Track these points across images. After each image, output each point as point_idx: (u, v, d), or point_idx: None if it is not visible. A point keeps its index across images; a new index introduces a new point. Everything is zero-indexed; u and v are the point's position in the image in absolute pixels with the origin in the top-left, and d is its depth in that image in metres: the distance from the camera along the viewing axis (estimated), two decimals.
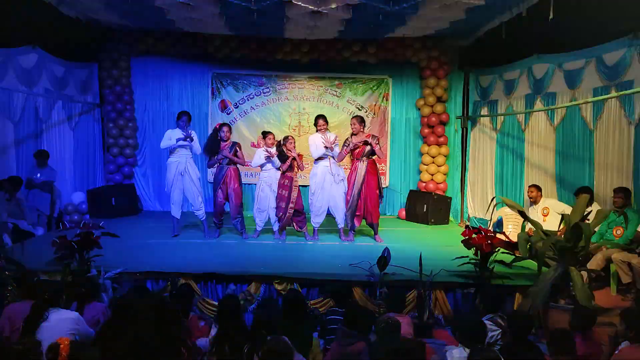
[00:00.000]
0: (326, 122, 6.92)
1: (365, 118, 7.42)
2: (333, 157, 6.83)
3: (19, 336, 3.45)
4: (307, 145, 7.02)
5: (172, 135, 6.90)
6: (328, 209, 6.98)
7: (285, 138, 6.86)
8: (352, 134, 6.85)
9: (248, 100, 9.34)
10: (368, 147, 6.74)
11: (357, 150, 6.79)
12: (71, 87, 8.44)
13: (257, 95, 9.36)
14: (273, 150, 6.84)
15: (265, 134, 7.08)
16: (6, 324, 3.70)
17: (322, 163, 6.85)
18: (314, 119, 7.08)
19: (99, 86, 9.05)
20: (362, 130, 6.84)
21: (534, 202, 6.90)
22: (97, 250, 5.09)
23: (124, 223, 7.76)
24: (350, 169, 6.96)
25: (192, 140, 6.89)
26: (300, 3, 6.30)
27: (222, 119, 9.11)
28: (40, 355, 3.06)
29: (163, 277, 5.27)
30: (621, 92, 5.44)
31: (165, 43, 8.87)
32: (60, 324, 3.49)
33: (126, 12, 7.32)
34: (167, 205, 9.24)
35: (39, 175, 7.48)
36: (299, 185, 6.98)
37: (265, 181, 6.93)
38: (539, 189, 6.93)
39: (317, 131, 6.91)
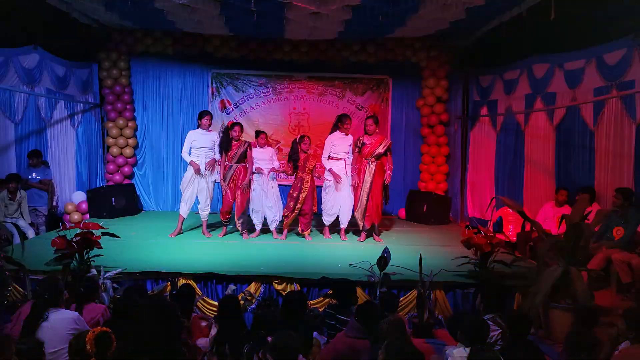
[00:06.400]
0: (350, 124, 6.91)
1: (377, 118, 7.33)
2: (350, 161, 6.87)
3: (19, 336, 3.45)
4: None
5: (192, 138, 6.89)
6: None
7: (301, 137, 6.87)
8: (366, 134, 6.83)
9: (248, 100, 9.33)
10: (377, 150, 6.71)
11: (366, 150, 6.78)
12: (72, 86, 8.41)
13: (257, 95, 9.35)
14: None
15: (258, 134, 7.07)
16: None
17: (337, 163, 6.86)
18: (338, 117, 7.04)
19: (99, 86, 9.03)
20: (376, 130, 6.85)
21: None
22: (97, 250, 5.09)
23: (124, 223, 7.75)
24: (359, 169, 6.86)
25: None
26: (300, 4, 6.30)
27: (222, 118, 9.10)
28: (42, 356, 3.06)
29: (163, 277, 5.26)
30: (622, 92, 5.45)
31: (165, 43, 8.87)
32: (60, 324, 3.49)
33: (126, 13, 7.32)
34: (166, 205, 9.33)
35: (34, 174, 7.47)
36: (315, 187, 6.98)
37: (257, 181, 6.91)
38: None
39: (338, 130, 6.89)
